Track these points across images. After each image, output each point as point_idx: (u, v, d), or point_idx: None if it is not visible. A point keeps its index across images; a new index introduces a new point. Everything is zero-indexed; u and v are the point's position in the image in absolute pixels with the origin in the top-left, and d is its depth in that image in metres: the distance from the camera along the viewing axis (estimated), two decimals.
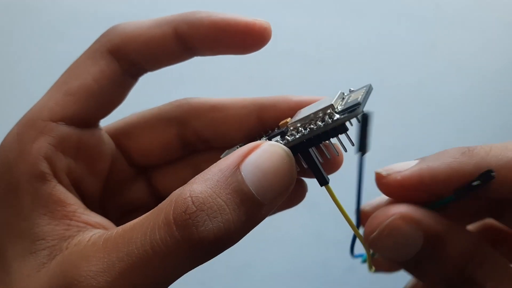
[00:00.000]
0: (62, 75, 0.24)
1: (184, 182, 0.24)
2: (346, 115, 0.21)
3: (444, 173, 0.22)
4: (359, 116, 0.20)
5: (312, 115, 0.22)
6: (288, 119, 0.24)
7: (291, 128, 0.22)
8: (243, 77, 0.61)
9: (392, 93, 0.62)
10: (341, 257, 0.54)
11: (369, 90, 0.22)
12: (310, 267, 0.60)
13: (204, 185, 0.19)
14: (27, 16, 0.58)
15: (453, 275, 0.22)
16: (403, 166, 0.23)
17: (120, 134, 0.27)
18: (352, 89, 0.24)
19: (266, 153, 0.20)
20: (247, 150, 0.20)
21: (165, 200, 0.19)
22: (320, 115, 0.22)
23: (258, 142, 0.20)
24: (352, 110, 0.21)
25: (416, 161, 0.23)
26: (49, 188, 0.22)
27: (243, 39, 0.24)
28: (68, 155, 0.23)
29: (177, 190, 0.19)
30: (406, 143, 0.61)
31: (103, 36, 0.24)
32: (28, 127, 0.22)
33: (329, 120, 0.21)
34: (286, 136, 0.22)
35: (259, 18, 0.24)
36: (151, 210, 0.19)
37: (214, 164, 0.20)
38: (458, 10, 0.67)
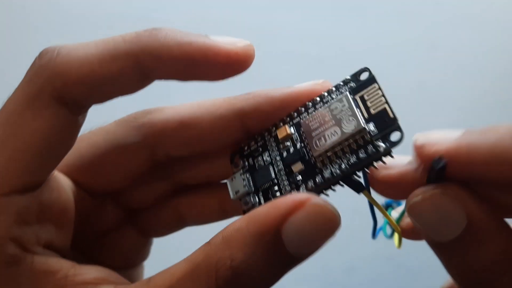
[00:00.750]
0: None
1: (161, 193, 0.25)
2: (390, 143, 0.19)
3: (483, 154, 0.18)
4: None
5: (343, 142, 0.20)
6: (287, 130, 0.22)
7: (321, 159, 0.20)
8: (243, 77, 0.60)
9: (392, 93, 0.61)
10: (341, 258, 0.54)
11: (375, 82, 0.21)
12: (311, 269, 0.59)
13: (243, 253, 0.17)
14: (25, 15, 0.58)
15: (477, 279, 0.19)
16: (443, 135, 0.19)
17: (78, 173, 0.23)
18: (348, 77, 0.22)
19: (313, 216, 0.18)
20: (288, 209, 0.17)
21: (201, 262, 0.18)
22: (352, 141, 0.20)
23: (300, 197, 0.18)
24: (390, 130, 0.19)
25: (459, 132, 0.19)
26: (27, 266, 0.19)
27: (222, 69, 0.21)
28: (32, 224, 0.20)
29: (211, 248, 0.18)
30: (406, 143, 0.61)
31: (37, 75, 0.20)
32: None
33: (373, 150, 0.19)
34: (323, 175, 0.20)
35: (240, 39, 0.21)
36: (183, 266, 0.18)
37: (251, 218, 0.18)
38: (458, 10, 0.67)
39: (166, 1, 0.62)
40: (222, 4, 0.63)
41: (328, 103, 0.21)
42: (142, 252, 0.27)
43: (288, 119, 0.23)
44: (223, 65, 0.21)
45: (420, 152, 0.19)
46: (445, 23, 0.67)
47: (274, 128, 0.23)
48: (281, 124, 0.23)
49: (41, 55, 0.20)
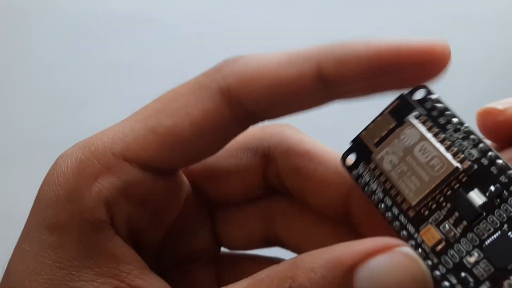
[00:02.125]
0: (151, 104, 0.19)
1: (249, 233, 0.23)
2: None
3: None
4: None
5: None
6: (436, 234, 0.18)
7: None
8: None
9: (392, 93, 0.61)
10: None
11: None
12: None
13: (307, 278, 0.16)
14: (27, 16, 0.59)
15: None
16: None
17: (200, 175, 0.22)
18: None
19: (396, 266, 0.15)
20: (371, 249, 0.15)
21: (264, 277, 0.17)
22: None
23: (389, 242, 0.16)
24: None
25: None
26: (103, 239, 0.18)
27: (417, 72, 0.18)
28: (133, 204, 0.19)
29: (277, 267, 0.17)
30: None
31: (216, 69, 0.19)
32: (92, 158, 0.18)
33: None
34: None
35: (427, 37, 0.19)
36: (245, 281, 0.17)
37: (329, 248, 0.16)
38: (458, 10, 0.67)
39: (166, 1, 0.61)
40: (222, 4, 0.63)
41: None
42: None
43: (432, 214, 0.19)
44: (418, 66, 0.18)
45: (505, 118, 0.18)
46: (445, 23, 0.67)
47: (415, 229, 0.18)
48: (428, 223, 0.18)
49: (219, 64, 0.19)
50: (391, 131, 0.20)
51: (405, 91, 0.20)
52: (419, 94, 0.20)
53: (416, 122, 0.19)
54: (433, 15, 0.66)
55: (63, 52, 0.57)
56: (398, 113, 0.20)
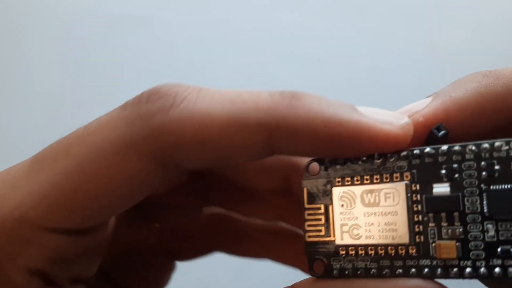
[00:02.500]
0: (63, 159, 0.17)
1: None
2: None
3: (473, 102, 0.18)
4: None
5: None
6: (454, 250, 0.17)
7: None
8: (242, 77, 0.60)
9: (392, 93, 0.62)
10: None
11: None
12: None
13: None
14: (26, 16, 0.58)
15: None
16: (417, 105, 0.19)
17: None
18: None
19: None
20: None
21: None
22: None
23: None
24: None
25: (429, 98, 0.19)
26: None
27: (373, 151, 0.18)
28: (68, 263, 0.18)
29: None
30: None
31: (143, 121, 0.16)
32: (9, 233, 0.16)
33: None
34: None
35: (396, 113, 0.18)
36: None
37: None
38: (458, 10, 0.67)
39: (166, 1, 0.60)
40: (222, 4, 0.63)
41: None
42: (165, 277, 0.25)
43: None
44: (376, 148, 0.18)
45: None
46: (445, 23, 0.67)
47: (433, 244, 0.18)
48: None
49: (152, 96, 0.16)
50: (327, 220, 0.19)
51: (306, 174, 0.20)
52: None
53: (337, 189, 0.19)
54: (433, 15, 0.66)
55: (63, 52, 0.57)
56: (312, 196, 0.20)
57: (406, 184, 0.18)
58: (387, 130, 0.17)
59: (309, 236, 0.19)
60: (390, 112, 0.18)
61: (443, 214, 0.18)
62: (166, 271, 0.25)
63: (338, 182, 0.19)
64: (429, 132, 0.19)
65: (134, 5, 0.60)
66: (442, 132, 0.18)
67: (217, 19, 0.60)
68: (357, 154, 0.18)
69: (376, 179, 0.19)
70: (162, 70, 0.57)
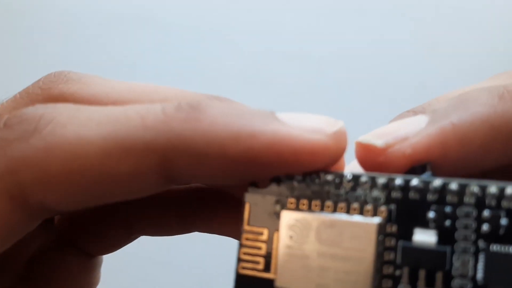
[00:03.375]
0: None
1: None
2: None
3: (480, 135, 0.13)
4: None
5: None
6: None
7: None
8: (242, 77, 0.58)
9: (392, 93, 0.61)
10: None
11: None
12: None
13: None
14: (27, 16, 0.57)
15: None
16: (407, 128, 0.14)
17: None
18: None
19: None
20: None
21: None
22: None
23: None
24: None
25: (422, 117, 0.14)
26: None
27: (301, 168, 0.14)
28: None
29: None
30: None
31: (5, 160, 0.13)
32: None
33: None
34: None
35: (324, 117, 0.15)
36: None
37: None
38: (458, 10, 0.67)
39: (166, 1, 0.60)
40: (222, 4, 0.61)
41: None
42: (88, 276, 0.22)
43: None
44: (303, 164, 0.14)
45: (387, 159, 0.14)
46: (445, 23, 0.67)
47: None
48: None
49: (11, 120, 0.13)
50: (269, 251, 0.15)
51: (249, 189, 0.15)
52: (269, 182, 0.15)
53: (288, 213, 0.14)
54: (433, 15, 0.66)
55: (63, 52, 0.57)
56: (255, 216, 0.15)
57: (379, 223, 0.14)
58: (313, 140, 0.13)
59: (243, 268, 0.15)
60: (322, 118, 0.14)
61: (422, 272, 0.13)
62: (87, 268, 0.21)
63: (291, 204, 0.14)
64: (410, 168, 0.14)
65: (134, 5, 0.59)
66: (425, 174, 0.14)
67: (217, 19, 0.58)
68: (276, 173, 0.14)
69: (341, 208, 0.14)
70: (162, 69, 0.58)
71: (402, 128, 0.14)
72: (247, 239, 0.15)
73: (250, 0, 0.62)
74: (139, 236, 0.21)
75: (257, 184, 0.15)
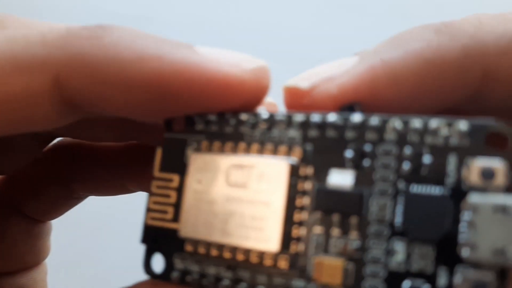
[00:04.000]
0: None
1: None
2: None
3: (415, 71, 0.12)
4: None
5: None
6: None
7: None
8: None
9: None
10: None
11: None
12: None
13: None
14: (26, 16, 0.59)
15: None
16: (335, 68, 0.13)
17: None
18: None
19: None
20: None
21: None
22: None
23: None
24: None
25: (353, 58, 0.13)
26: None
27: (215, 105, 0.13)
28: None
29: None
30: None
31: None
32: None
33: None
34: None
35: (247, 56, 0.13)
36: None
37: None
38: (459, 11, 0.65)
39: (166, 1, 0.59)
40: (222, 4, 0.61)
41: None
42: (36, 243, 0.21)
43: None
44: (217, 98, 0.12)
45: (312, 100, 0.13)
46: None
47: None
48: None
49: None
50: (179, 199, 0.13)
51: (165, 135, 0.14)
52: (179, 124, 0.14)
53: (197, 156, 0.13)
54: (433, 14, 0.65)
55: None
56: (168, 162, 0.13)
57: (291, 164, 0.12)
58: (227, 72, 0.12)
59: (152, 218, 0.13)
60: (243, 55, 0.13)
61: (336, 217, 0.12)
62: (31, 237, 0.20)
63: (205, 147, 0.13)
64: (339, 110, 0.12)
65: (133, 5, 0.58)
66: (356, 113, 0.12)
67: (216, 19, 0.58)
68: (188, 108, 0.13)
69: (254, 149, 0.13)
70: None
71: (330, 69, 0.13)
72: (157, 187, 0.13)
73: (250, 1, 0.62)
74: (83, 197, 0.20)
75: (172, 126, 0.14)
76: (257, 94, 0.13)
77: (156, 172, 0.13)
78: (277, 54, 0.63)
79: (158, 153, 0.13)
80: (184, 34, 0.59)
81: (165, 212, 0.13)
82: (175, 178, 0.13)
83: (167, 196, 0.13)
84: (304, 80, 0.13)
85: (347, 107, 0.12)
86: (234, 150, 0.13)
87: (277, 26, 0.62)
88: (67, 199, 0.20)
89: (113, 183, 0.19)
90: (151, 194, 0.13)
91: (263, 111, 0.13)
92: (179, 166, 0.13)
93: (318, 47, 0.63)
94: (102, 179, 0.19)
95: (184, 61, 0.12)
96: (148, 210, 0.13)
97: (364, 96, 0.12)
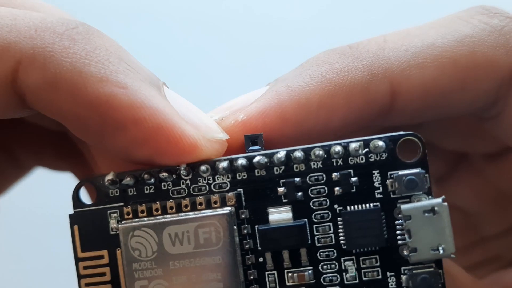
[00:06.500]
0: None
1: None
2: None
3: (318, 95, 0.13)
4: None
5: None
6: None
7: None
8: (241, 73, 0.54)
9: None
10: None
11: None
12: None
13: None
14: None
15: None
16: (246, 99, 0.14)
17: None
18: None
19: None
20: None
21: None
22: None
23: None
24: None
25: (264, 88, 0.14)
26: None
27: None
28: None
29: None
30: None
31: None
32: None
33: None
34: None
35: (211, 119, 0.13)
36: None
37: None
38: (458, 9, 0.69)
39: None
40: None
41: None
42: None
43: None
44: (159, 149, 0.12)
45: (224, 128, 0.13)
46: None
47: None
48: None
49: None
50: (115, 276, 0.12)
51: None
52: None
53: (125, 227, 0.12)
54: (433, 14, 0.67)
55: None
56: (89, 239, 0.13)
57: (229, 213, 0.12)
58: (185, 130, 0.12)
59: None
60: (210, 121, 0.13)
61: (285, 253, 0.12)
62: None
63: (128, 215, 0.12)
64: (246, 141, 0.13)
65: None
66: (253, 148, 0.12)
67: (217, 14, 0.55)
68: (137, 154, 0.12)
69: (186, 206, 0.12)
70: (160, 66, 0.52)
71: (244, 100, 0.13)
72: (85, 267, 0.12)
73: None
74: (30, 168, 0.18)
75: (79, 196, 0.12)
76: (199, 158, 0.12)
77: (80, 253, 0.12)
78: (278, 49, 0.60)
79: (76, 232, 0.12)
80: (181, 28, 0.54)
81: None
82: (105, 254, 0.12)
83: (102, 274, 0.12)
84: (215, 113, 0.13)
85: (249, 137, 0.13)
86: (164, 211, 0.12)
87: (279, 22, 0.59)
88: (15, 168, 0.18)
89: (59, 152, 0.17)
90: (80, 277, 0.12)
91: (181, 165, 0.12)
92: (105, 241, 0.12)
93: (319, 43, 0.61)
94: (49, 147, 0.17)
95: (144, 101, 0.11)
96: None
97: (272, 121, 0.13)
